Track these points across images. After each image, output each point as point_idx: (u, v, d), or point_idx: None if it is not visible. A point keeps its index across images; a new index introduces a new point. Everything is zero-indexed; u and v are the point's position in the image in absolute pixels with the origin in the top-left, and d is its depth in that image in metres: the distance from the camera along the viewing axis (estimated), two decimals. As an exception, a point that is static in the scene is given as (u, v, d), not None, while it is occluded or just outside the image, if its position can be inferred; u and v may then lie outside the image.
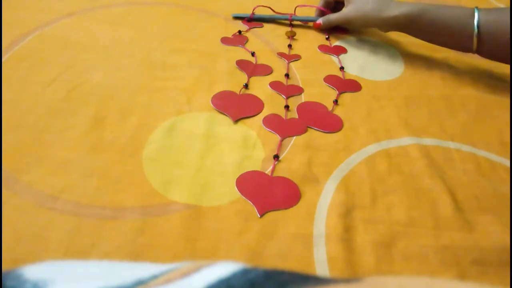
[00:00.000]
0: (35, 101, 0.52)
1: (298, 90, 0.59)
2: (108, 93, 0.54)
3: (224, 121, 0.53)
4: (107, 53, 0.62)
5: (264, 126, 0.52)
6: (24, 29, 0.64)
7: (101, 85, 0.56)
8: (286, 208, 0.43)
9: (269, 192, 0.45)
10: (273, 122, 0.53)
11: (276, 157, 0.48)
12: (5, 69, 0.56)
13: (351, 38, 0.75)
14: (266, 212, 0.42)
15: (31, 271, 0.21)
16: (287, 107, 0.56)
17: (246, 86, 0.58)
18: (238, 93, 0.57)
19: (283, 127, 0.53)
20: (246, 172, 0.47)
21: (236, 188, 0.44)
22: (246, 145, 0.49)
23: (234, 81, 0.59)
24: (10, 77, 0.55)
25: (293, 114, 0.55)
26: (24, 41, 0.62)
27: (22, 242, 0.37)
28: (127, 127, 0.50)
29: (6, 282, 0.20)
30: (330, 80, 0.62)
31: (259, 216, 0.42)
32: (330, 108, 0.57)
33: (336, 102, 0.57)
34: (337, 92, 0.60)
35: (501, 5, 0.91)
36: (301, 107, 0.56)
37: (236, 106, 0.55)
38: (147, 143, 0.48)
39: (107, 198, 0.42)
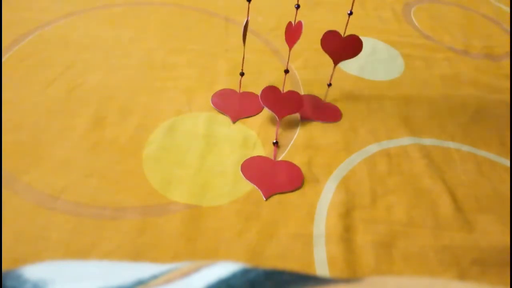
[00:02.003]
0: (35, 101, 0.52)
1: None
2: (108, 93, 0.54)
3: (224, 121, 0.53)
4: (107, 53, 0.62)
5: (262, 103, 0.51)
6: (24, 29, 0.64)
7: (101, 85, 0.56)
8: (291, 190, 0.44)
9: (273, 176, 0.46)
10: (270, 97, 0.52)
11: (275, 143, 0.49)
12: (5, 69, 0.56)
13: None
14: (272, 195, 0.43)
15: (31, 271, 0.21)
16: (286, 71, 0.51)
17: (242, 74, 0.55)
18: (238, 91, 0.57)
19: (280, 103, 0.51)
20: (250, 157, 0.48)
21: (241, 173, 0.45)
22: (246, 145, 0.49)
23: (234, 81, 0.59)
24: (10, 77, 0.55)
25: None
26: (24, 41, 0.62)
27: (22, 242, 0.37)
28: (127, 127, 0.50)
29: (6, 282, 0.20)
30: (328, 43, 0.52)
31: (264, 199, 0.43)
32: (323, 98, 0.57)
33: (329, 85, 0.56)
34: (333, 64, 0.54)
35: (502, 5, 0.91)
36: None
37: (236, 105, 0.55)
38: (147, 143, 0.48)
39: (107, 198, 0.42)
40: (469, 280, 0.38)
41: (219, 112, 0.54)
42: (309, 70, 0.64)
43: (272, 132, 0.52)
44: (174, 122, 0.51)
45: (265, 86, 0.56)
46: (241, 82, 0.57)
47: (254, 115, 0.54)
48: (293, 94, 0.52)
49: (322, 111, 0.55)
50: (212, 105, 0.55)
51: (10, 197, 0.41)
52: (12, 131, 0.47)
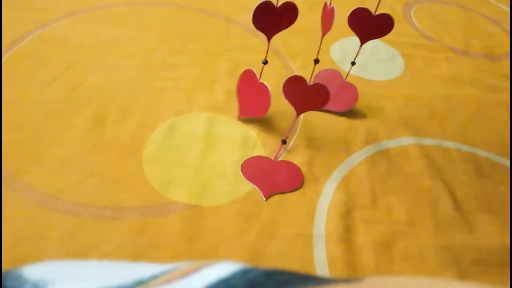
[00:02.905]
0: (35, 101, 0.52)
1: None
2: (108, 93, 0.54)
3: (224, 121, 0.53)
4: (107, 53, 0.62)
5: (284, 95, 0.46)
6: (24, 29, 0.64)
7: (101, 85, 0.56)
8: (291, 190, 0.44)
9: (273, 176, 0.46)
10: (295, 89, 0.45)
11: (284, 142, 0.48)
12: (5, 69, 0.56)
13: (352, 38, 0.75)
14: (272, 195, 0.44)
15: (31, 271, 0.21)
16: (316, 61, 0.48)
17: (265, 62, 0.50)
18: (259, 77, 0.52)
19: (303, 97, 0.45)
20: (250, 157, 0.47)
21: (241, 173, 0.45)
22: (246, 145, 0.49)
23: (234, 81, 0.59)
24: (10, 77, 0.55)
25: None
26: (24, 41, 0.62)
27: (22, 242, 0.37)
28: (127, 127, 0.50)
29: (6, 282, 0.20)
30: (355, 21, 0.49)
31: (264, 199, 0.43)
32: (344, 77, 0.57)
33: (353, 63, 0.53)
34: (360, 42, 0.50)
35: (501, 6, 0.91)
36: (318, 77, 0.57)
37: (252, 98, 0.51)
38: (147, 143, 0.48)
39: (107, 198, 0.42)
40: (469, 280, 0.38)
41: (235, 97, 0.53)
42: (309, 70, 0.64)
43: (272, 132, 0.52)
44: (174, 122, 0.51)
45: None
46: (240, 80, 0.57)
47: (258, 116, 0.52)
48: (320, 88, 0.45)
49: (337, 95, 0.54)
50: (237, 87, 0.52)
51: (10, 197, 0.41)
52: (12, 131, 0.47)
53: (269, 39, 0.47)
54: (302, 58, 0.67)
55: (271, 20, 0.45)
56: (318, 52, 0.50)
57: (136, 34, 0.67)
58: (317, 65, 0.66)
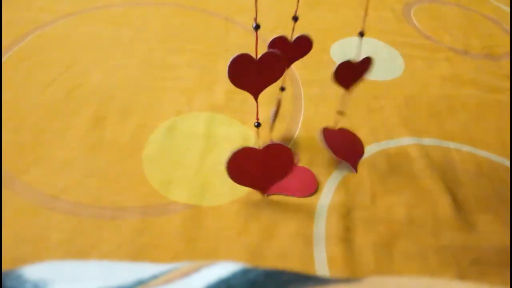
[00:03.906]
0: (35, 101, 0.52)
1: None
2: (108, 93, 0.54)
3: (224, 121, 0.53)
4: (107, 53, 0.62)
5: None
6: (24, 29, 0.64)
7: (101, 85, 0.56)
8: (296, 196, 0.44)
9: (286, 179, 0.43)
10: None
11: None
12: (5, 69, 0.56)
13: (352, 38, 0.75)
14: (271, 194, 0.43)
15: (31, 271, 0.21)
16: (282, 89, 0.42)
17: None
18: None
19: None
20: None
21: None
22: (246, 145, 0.49)
23: (234, 81, 0.59)
24: (10, 77, 0.55)
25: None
26: (24, 41, 0.62)
27: (22, 242, 0.37)
28: (127, 127, 0.50)
29: (6, 282, 0.20)
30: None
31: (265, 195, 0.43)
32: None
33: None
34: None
35: (501, 6, 0.91)
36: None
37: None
38: (147, 143, 0.48)
39: (107, 198, 0.42)
40: (469, 280, 0.38)
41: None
42: (309, 70, 0.64)
43: (272, 132, 0.52)
44: (174, 122, 0.51)
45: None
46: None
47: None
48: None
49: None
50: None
51: (10, 197, 0.41)
52: (12, 131, 0.47)
53: (256, 97, 0.37)
54: (302, 58, 0.67)
55: (252, 75, 0.35)
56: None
57: (136, 34, 0.67)
58: (318, 67, 0.66)
